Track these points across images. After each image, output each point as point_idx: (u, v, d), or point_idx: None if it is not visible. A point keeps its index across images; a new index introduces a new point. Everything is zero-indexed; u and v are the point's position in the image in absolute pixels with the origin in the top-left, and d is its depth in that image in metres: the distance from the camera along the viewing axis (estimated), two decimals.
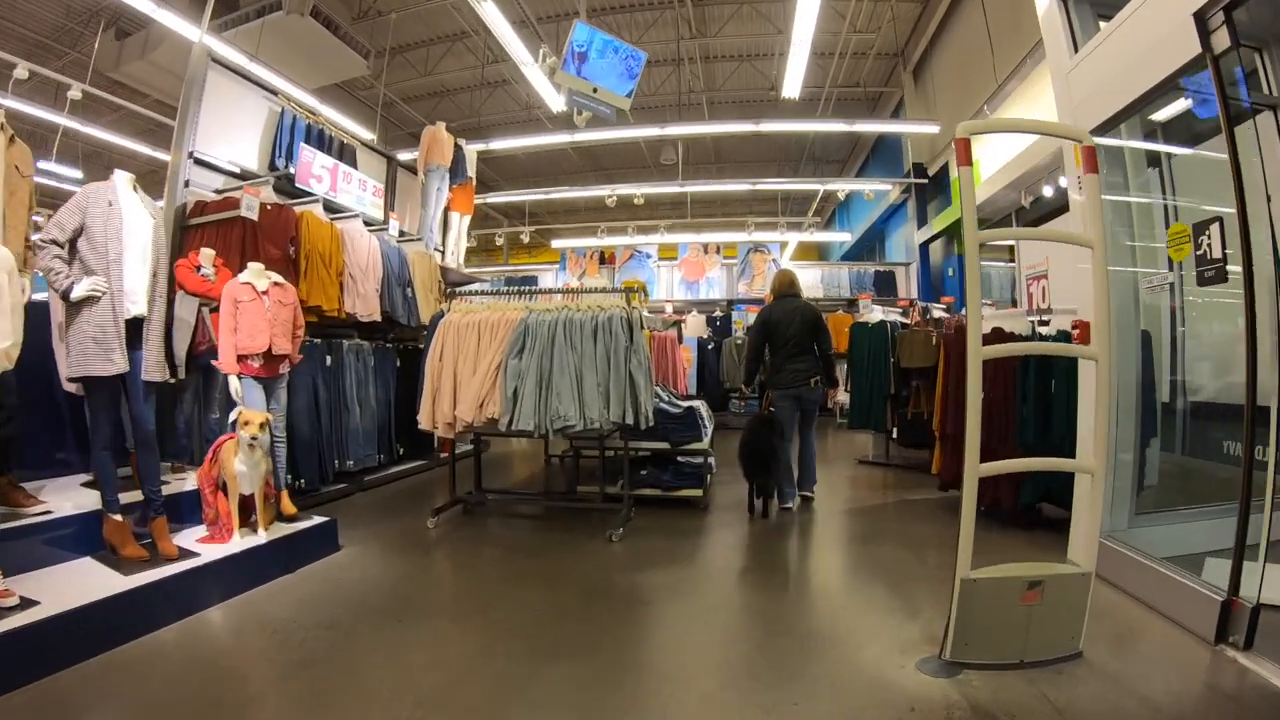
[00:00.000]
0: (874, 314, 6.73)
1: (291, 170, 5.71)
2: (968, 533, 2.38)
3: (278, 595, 3.21)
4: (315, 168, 5.92)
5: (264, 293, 3.89)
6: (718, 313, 12.71)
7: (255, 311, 3.82)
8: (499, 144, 10.56)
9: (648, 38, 10.54)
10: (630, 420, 4.14)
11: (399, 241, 6.59)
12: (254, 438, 3.41)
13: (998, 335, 4.27)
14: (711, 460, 5.35)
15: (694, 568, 3.69)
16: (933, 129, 9.84)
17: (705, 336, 11.09)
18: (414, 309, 6.27)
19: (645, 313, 5.71)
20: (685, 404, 5.20)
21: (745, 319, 12.23)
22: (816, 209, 14.92)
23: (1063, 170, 7.36)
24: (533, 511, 5.12)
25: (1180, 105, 3.38)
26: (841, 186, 12.17)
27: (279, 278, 4.08)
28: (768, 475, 4.62)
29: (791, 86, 8.34)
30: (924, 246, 11.68)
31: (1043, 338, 4.12)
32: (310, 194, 5.71)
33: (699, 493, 4.90)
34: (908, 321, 6.99)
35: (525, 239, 14.03)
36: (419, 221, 7.39)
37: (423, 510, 4.74)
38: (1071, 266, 4.11)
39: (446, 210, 7.73)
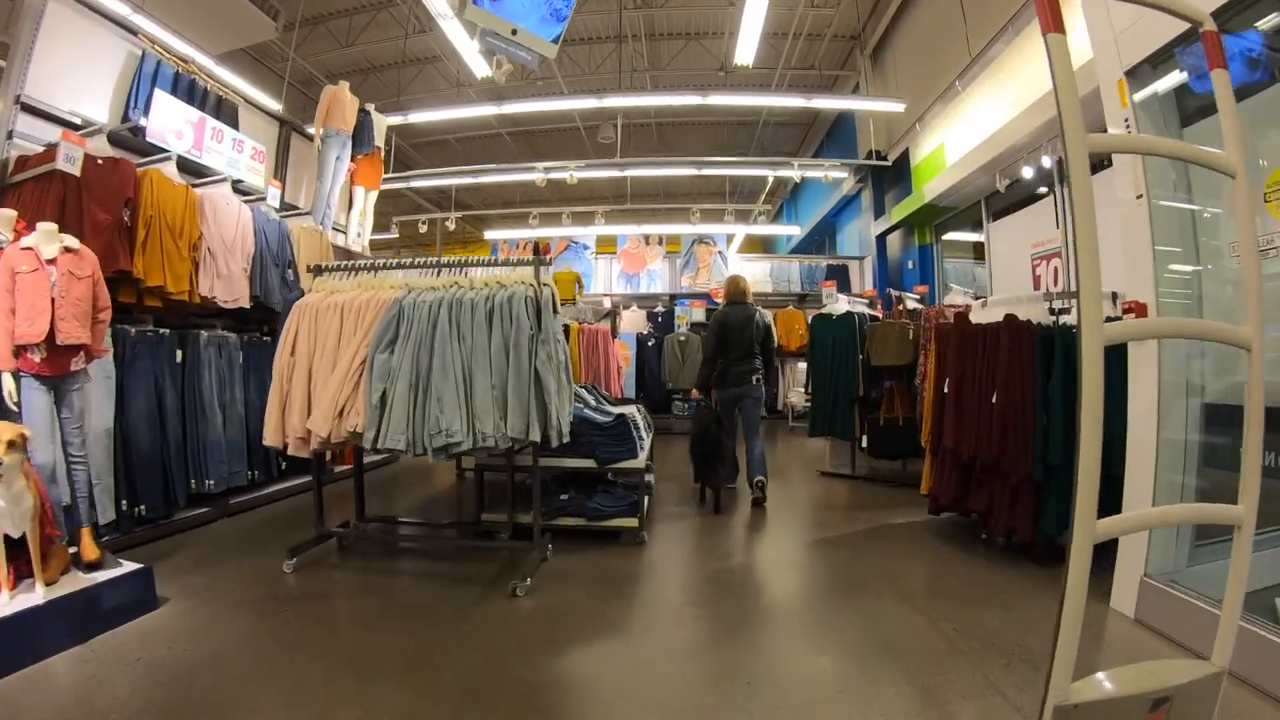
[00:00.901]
0: (839, 305, 5.87)
1: (143, 122, 4.55)
2: (1069, 638, 1.42)
3: (45, 683, 2.20)
4: (174, 120, 4.74)
5: (50, 261, 2.85)
6: (659, 308, 11.74)
7: (36, 286, 2.77)
8: (418, 116, 9.26)
9: (587, 9, 9.48)
10: (536, 435, 3.07)
11: (281, 215, 5.39)
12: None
13: (1012, 326, 3.40)
14: (650, 479, 4.35)
15: (625, 642, 2.64)
16: (898, 107, 9.13)
17: (646, 332, 10.09)
18: (296, 294, 5.00)
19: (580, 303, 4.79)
20: (617, 410, 4.16)
21: (689, 314, 11.33)
22: (766, 198, 14.20)
23: (1046, 150, 6.77)
24: (425, 548, 3.99)
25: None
26: (794, 172, 11.40)
27: (73, 241, 2.99)
28: (719, 469, 4.62)
29: (745, 52, 7.41)
30: (881, 239, 11.02)
31: (1066, 329, 3.27)
32: (164, 151, 4.53)
33: (634, 523, 3.86)
34: (877, 314, 6.18)
35: (451, 225, 12.65)
36: (314, 195, 6.10)
37: (293, 543, 3.55)
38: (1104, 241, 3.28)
39: (351, 185, 6.49)
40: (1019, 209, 7.36)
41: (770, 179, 12.59)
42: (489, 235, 13.95)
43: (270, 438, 3.38)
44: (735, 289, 5.01)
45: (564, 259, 12.69)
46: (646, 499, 4.17)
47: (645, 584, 3.28)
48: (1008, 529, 3.27)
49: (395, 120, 9.18)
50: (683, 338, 9.32)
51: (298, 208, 6.05)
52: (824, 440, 6.20)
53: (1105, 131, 3.03)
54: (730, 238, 14.47)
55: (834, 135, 13.33)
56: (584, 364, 5.72)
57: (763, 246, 17.70)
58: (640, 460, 3.85)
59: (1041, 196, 6.84)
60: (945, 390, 3.66)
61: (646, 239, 12.61)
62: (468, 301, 3.23)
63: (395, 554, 3.85)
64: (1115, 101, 2.96)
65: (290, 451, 3.37)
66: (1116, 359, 2.84)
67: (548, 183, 10.20)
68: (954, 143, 8.30)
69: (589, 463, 3.85)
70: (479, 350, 3.11)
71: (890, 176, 10.73)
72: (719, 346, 4.79)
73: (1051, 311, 3.50)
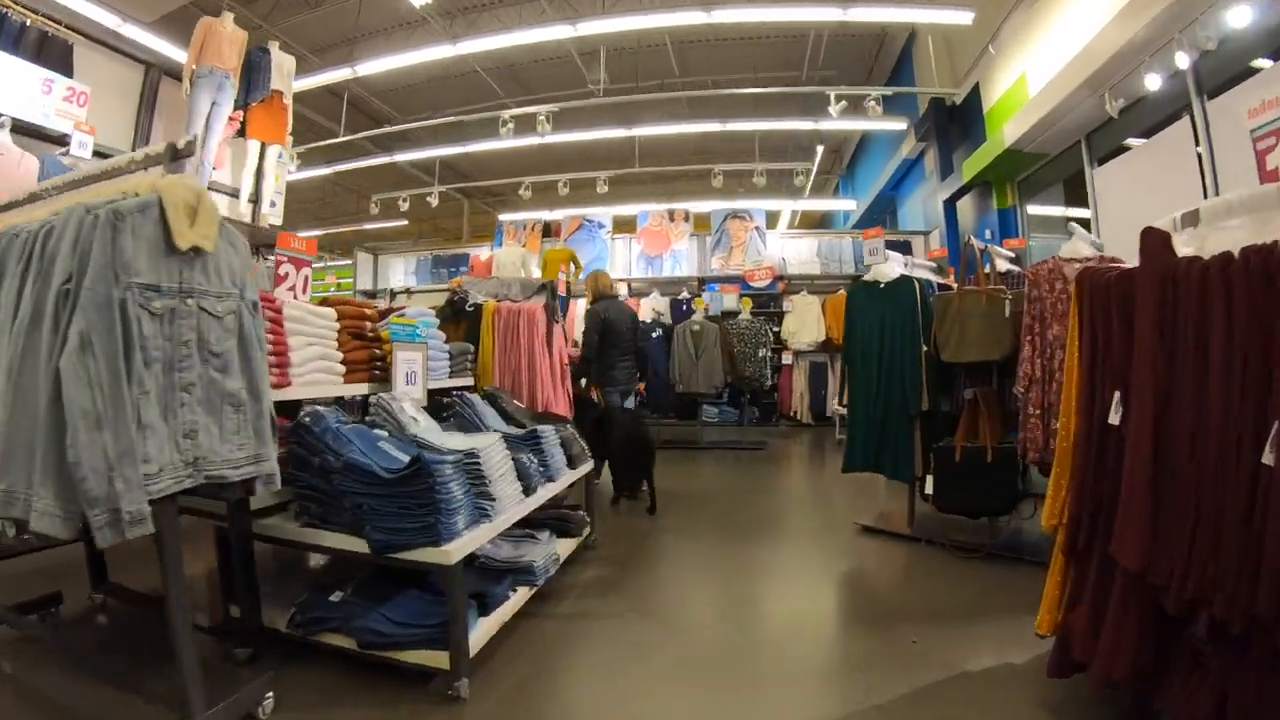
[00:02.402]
0: (890, 266, 3.76)
1: None
2: None
3: None
4: None
5: None
6: (685, 294, 9.82)
7: None
8: (368, 67, 7.69)
9: None
10: (47, 504, 1.26)
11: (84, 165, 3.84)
12: None
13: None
14: (537, 571, 2.50)
15: None
16: (963, 16, 6.75)
17: (650, 320, 8.17)
18: None
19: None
20: (456, 447, 2.28)
21: (718, 301, 9.31)
22: (820, 170, 11.90)
23: (1181, 44, 4.42)
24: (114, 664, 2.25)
25: None
26: (841, 124, 9.16)
27: None
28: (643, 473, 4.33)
29: None
30: (950, 206, 8.63)
31: None
32: None
33: (444, 660, 1.97)
34: (949, 284, 4.02)
35: (434, 200, 11.05)
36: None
37: None
38: None
39: (245, 140, 5.01)
40: (1152, 134, 5.01)
41: (816, 132, 10.31)
42: (505, 217, 12.32)
43: None
44: (604, 285, 5.03)
45: (576, 240, 10.92)
46: (497, 607, 2.27)
47: None
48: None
49: (342, 74, 7.68)
50: (696, 327, 7.32)
51: (110, 152, 4.57)
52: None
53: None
54: (775, 215, 12.30)
55: (891, 83, 10.90)
56: (498, 361, 3.88)
57: (819, 226, 15.41)
58: (457, 549, 1.94)
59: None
60: (1113, 420, 1.58)
61: (671, 214, 10.66)
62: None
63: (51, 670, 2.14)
64: None
65: None
66: None
67: (541, 146, 8.42)
68: (1039, 68, 6.00)
69: (356, 543, 2.00)
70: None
71: (958, 126, 8.37)
72: (600, 340, 4.71)
73: None
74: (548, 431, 3.01)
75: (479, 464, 2.19)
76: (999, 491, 3.12)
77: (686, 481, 5.75)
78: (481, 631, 2.15)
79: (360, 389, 2.64)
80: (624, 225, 11.20)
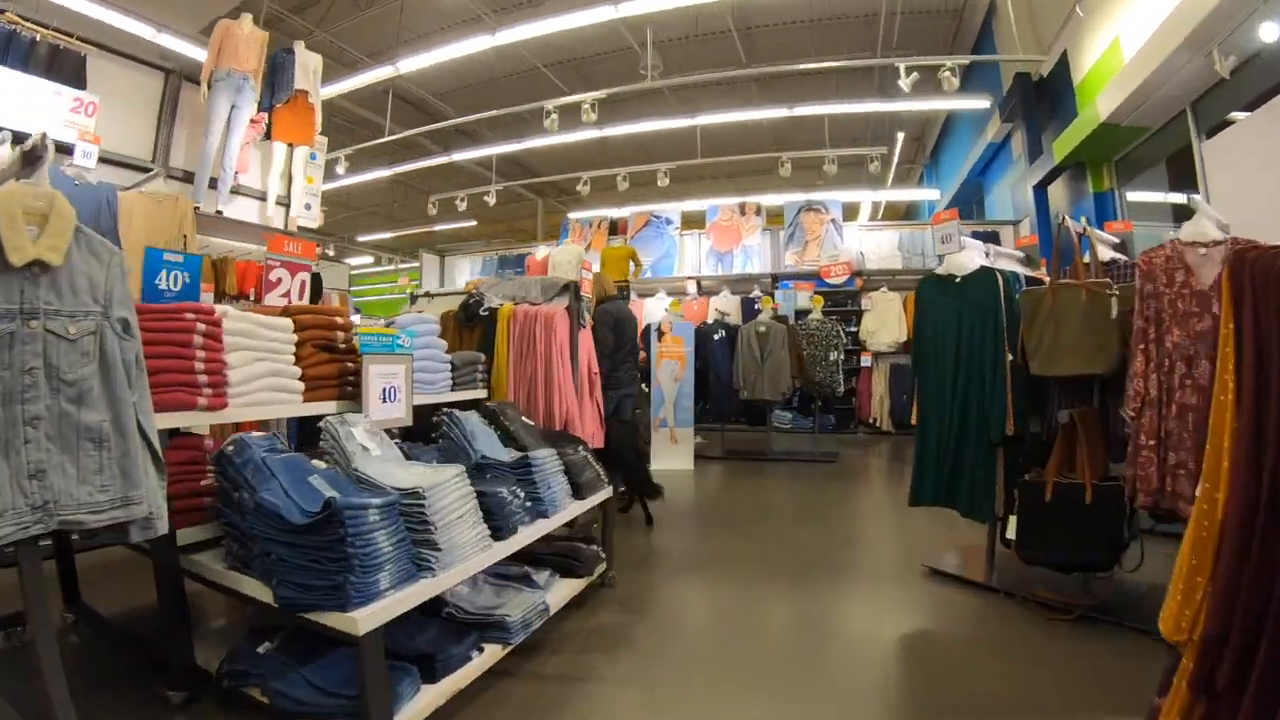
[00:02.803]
0: (968, 255, 3.10)
1: None
2: None
3: None
4: None
5: None
6: (756, 291, 9.27)
7: None
8: (410, 63, 7.65)
9: None
10: None
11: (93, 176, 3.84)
12: None
13: None
14: (511, 628, 2.16)
15: None
16: None
17: (711, 322, 7.66)
18: None
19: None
20: (401, 485, 1.96)
21: (791, 300, 8.65)
22: (901, 159, 10.90)
23: None
24: None
25: None
26: (916, 104, 8.25)
27: None
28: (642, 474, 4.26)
29: None
30: (1040, 192, 7.56)
31: None
32: None
33: None
34: (1039, 276, 3.30)
35: (491, 199, 10.94)
36: (200, 154, 4.61)
37: None
38: None
39: (270, 142, 5.00)
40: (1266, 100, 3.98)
41: (894, 116, 9.38)
42: (573, 216, 12.16)
43: None
44: (606, 286, 4.80)
45: (643, 237, 10.60)
46: (443, 674, 1.93)
47: None
48: None
49: (385, 72, 7.69)
50: (762, 328, 6.74)
51: (126, 160, 4.48)
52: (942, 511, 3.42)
53: None
54: (854, 208, 11.42)
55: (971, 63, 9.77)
56: (513, 371, 3.56)
57: (904, 218, 14.29)
58: (369, 617, 1.60)
59: None
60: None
61: (741, 208, 10.09)
62: None
63: None
64: None
65: None
66: None
67: (600, 140, 8.11)
68: (1134, 28, 5.05)
69: (269, 594, 1.71)
70: None
71: (1046, 103, 7.32)
72: (615, 340, 4.42)
73: None
74: (545, 458, 2.64)
75: (422, 506, 1.85)
76: (1098, 541, 2.45)
77: (741, 501, 5.24)
78: (423, 704, 1.81)
79: (326, 408, 2.38)
80: (693, 222, 10.75)
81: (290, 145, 5.09)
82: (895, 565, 3.46)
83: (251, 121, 4.80)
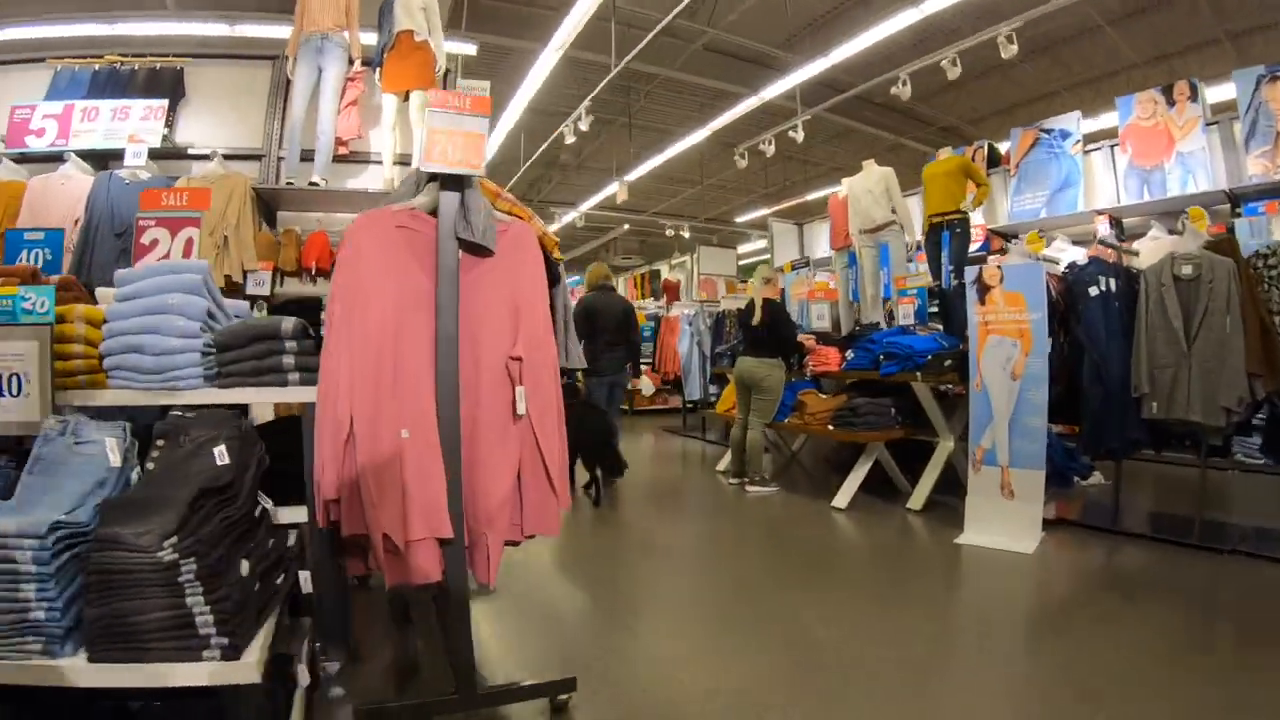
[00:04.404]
0: None
1: None
2: None
3: None
4: (33, 122, 4.39)
5: None
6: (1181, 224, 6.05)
7: None
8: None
9: None
10: None
11: (137, 170, 3.91)
12: None
13: None
14: None
15: None
16: None
17: (1087, 261, 4.67)
18: None
19: None
20: None
21: (1263, 229, 5.40)
22: None
23: None
24: None
25: None
26: None
27: None
28: (609, 457, 4.76)
29: None
30: None
31: None
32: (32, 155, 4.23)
33: None
34: None
35: (798, 135, 9.03)
36: (286, 134, 4.42)
37: None
38: None
39: (386, 98, 4.38)
40: None
41: None
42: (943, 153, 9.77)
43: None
44: (598, 275, 5.33)
45: (1031, 162, 7.98)
46: None
47: None
48: None
49: None
50: (1188, 268, 3.85)
51: (176, 148, 4.52)
52: None
53: None
54: None
55: None
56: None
57: None
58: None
59: None
60: None
61: (1168, 95, 6.77)
62: None
63: None
64: None
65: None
66: None
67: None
68: None
69: None
70: None
71: None
72: (587, 334, 4.77)
73: None
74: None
75: None
76: None
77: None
78: None
79: None
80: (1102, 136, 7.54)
81: (403, 94, 4.35)
82: None
83: (349, 80, 4.42)
